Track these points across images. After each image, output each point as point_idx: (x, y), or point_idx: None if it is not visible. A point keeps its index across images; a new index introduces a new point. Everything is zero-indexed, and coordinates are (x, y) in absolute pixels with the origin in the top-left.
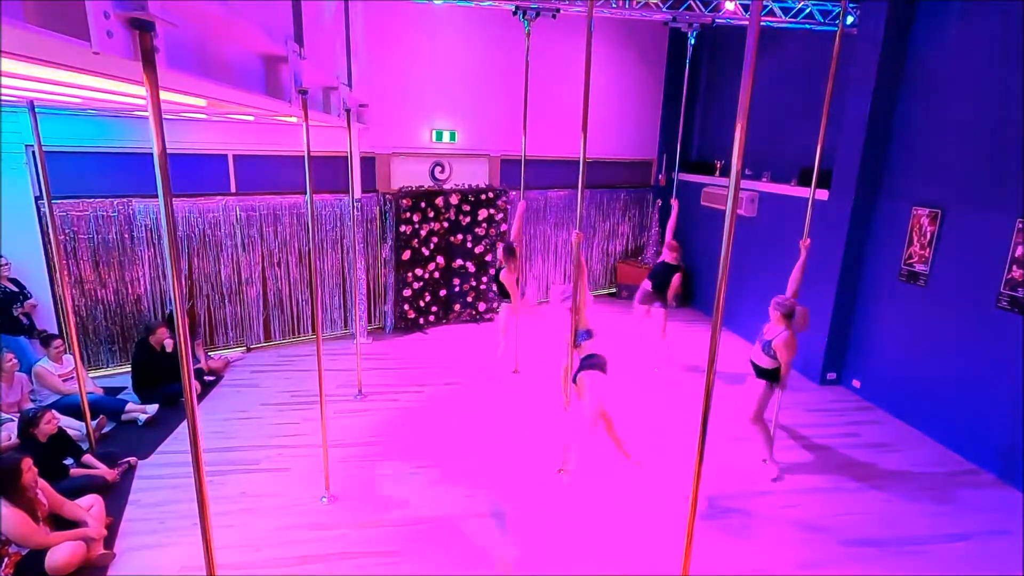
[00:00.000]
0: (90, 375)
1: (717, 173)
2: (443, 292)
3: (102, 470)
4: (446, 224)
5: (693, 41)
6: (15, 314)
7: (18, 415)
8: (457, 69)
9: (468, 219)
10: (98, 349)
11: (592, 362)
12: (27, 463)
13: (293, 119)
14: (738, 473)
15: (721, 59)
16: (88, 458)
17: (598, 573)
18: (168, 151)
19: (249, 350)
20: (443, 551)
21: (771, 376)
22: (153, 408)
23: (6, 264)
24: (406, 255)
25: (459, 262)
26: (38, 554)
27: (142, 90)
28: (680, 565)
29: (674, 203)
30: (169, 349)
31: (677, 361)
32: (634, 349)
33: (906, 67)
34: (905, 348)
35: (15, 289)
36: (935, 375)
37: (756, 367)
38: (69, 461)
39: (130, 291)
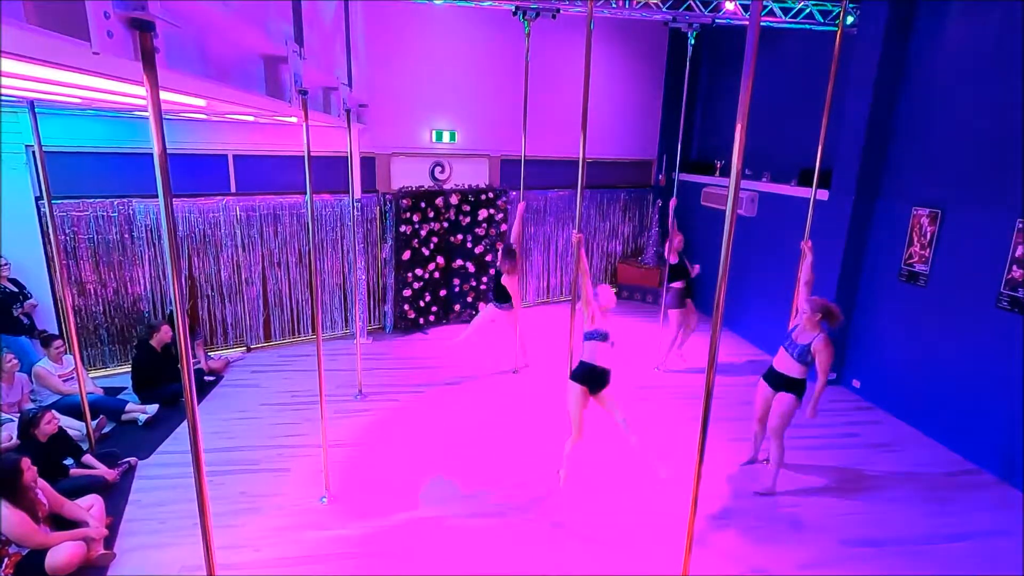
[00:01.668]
0: (90, 375)
1: (717, 173)
2: (443, 292)
3: (102, 470)
4: (446, 224)
5: (693, 41)
6: (15, 314)
7: (18, 415)
8: (457, 69)
9: (468, 219)
10: (98, 349)
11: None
12: (26, 463)
13: (293, 119)
14: (738, 473)
15: (721, 59)
16: (88, 458)
17: (598, 573)
18: (168, 151)
19: (249, 350)
20: (443, 551)
21: (799, 387)
22: (153, 408)
23: (6, 264)
24: (406, 255)
25: (459, 262)
26: (38, 554)
27: (142, 90)
28: (680, 565)
29: (672, 202)
30: (168, 339)
31: (679, 360)
32: (638, 350)
33: (906, 67)
34: (905, 348)
35: (15, 289)
36: (935, 375)
37: (781, 377)
38: (69, 461)
39: (130, 291)
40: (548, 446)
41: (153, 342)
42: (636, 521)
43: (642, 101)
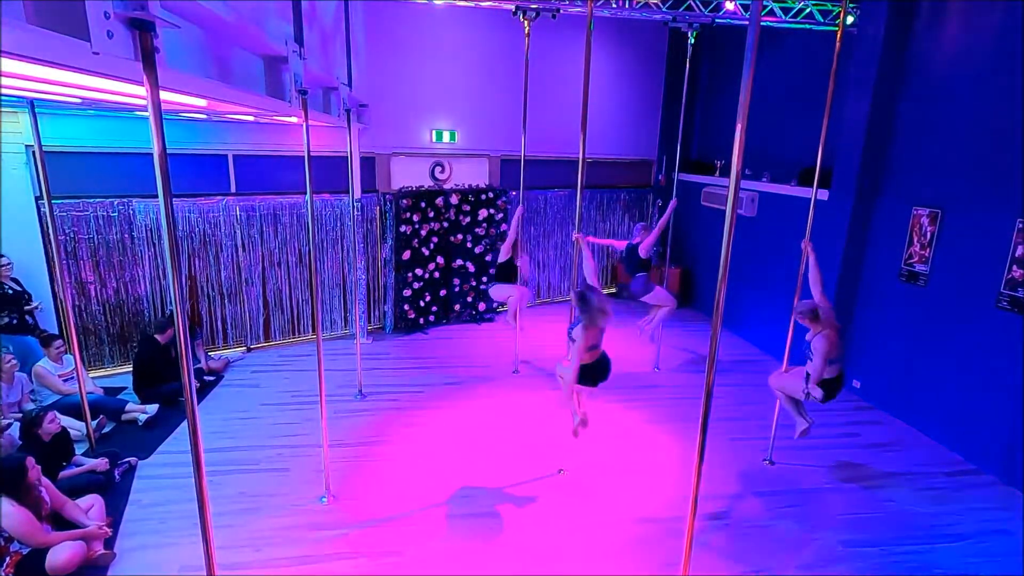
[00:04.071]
0: (90, 375)
1: (717, 173)
2: (443, 292)
3: (90, 463)
4: (446, 224)
5: (693, 41)
6: (22, 312)
7: (19, 415)
8: (457, 69)
9: (468, 219)
10: (98, 349)
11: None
12: (31, 461)
13: (293, 119)
14: (738, 473)
15: (721, 59)
16: (77, 458)
17: (598, 573)
18: (168, 151)
19: (249, 350)
20: (443, 551)
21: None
22: (153, 408)
23: (7, 264)
24: (406, 255)
25: (459, 262)
26: (38, 554)
27: (142, 90)
28: (680, 565)
29: (673, 201)
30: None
31: (676, 360)
32: (633, 350)
33: (906, 67)
34: (905, 348)
35: (18, 288)
36: (935, 375)
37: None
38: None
39: (130, 291)
40: (548, 446)
41: (160, 337)
42: (636, 521)
43: (642, 101)
